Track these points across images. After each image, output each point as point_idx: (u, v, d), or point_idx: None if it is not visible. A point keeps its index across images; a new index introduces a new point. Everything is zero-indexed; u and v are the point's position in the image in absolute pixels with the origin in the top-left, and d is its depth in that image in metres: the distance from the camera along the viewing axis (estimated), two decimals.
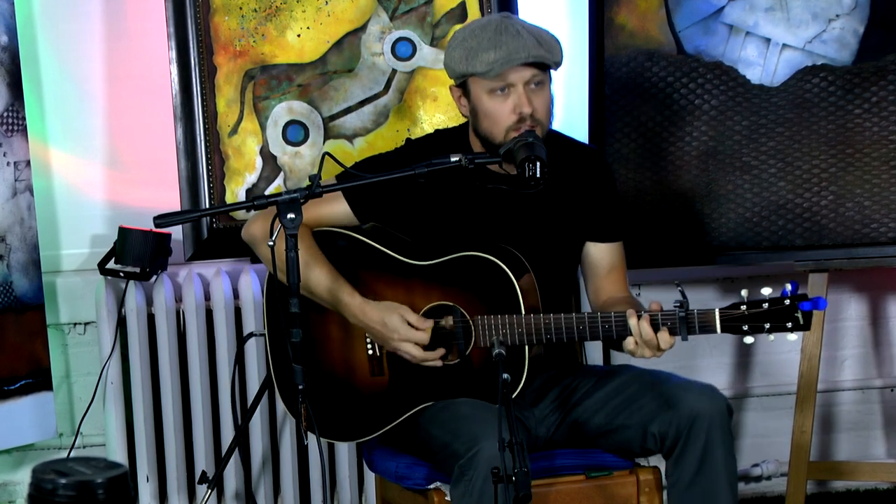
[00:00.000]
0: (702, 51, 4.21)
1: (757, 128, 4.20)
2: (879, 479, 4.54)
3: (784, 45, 4.20)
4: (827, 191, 4.19)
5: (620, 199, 3.63)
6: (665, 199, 4.23)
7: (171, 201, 4.20)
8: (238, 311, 4.28)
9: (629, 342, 3.28)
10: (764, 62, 4.20)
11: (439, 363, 3.40)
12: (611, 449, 3.46)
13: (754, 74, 4.21)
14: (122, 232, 4.17)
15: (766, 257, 4.22)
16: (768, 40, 4.20)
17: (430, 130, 3.57)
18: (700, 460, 3.32)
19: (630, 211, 4.19)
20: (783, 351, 4.64)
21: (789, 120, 4.20)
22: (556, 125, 3.56)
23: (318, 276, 3.43)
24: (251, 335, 4.08)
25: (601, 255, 3.56)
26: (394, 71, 4.28)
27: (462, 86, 3.44)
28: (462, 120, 3.57)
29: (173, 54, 4.19)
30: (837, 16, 4.18)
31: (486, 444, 3.19)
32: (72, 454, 4.30)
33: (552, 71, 3.43)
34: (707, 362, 4.67)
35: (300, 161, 4.25)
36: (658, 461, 3.46)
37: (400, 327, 3.38)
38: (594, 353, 4.37)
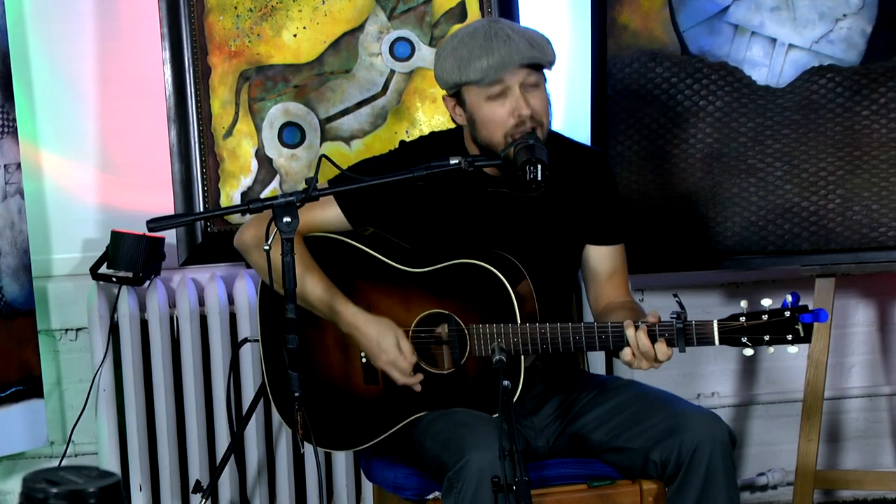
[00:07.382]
0: (706, 51, 4.19)
1: (762, 129, 4.19)
2: (888, 489, 4.52)
3: (790, 46, 4.19)
4: (834, 194, 4.18)
5: (622, 202, 3.60)
6: (669, 203, 4.21)
7: (165, 205, 4.20)
8: (233, 317, 4.28)
9: (626, 353, 3.25)
10: (770, 63, 4.19)
11: (418, 388, 3.40)
12: (612, 464, 3.41)
13: (760, 75, 4.19)
14: (115, 236, 4.16)
15: (772, 262, 4.22)
16: (774, 40, 4.19)
17: (429, 132, 3.55)
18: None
19: (633, 215, 4.19)
20: (789, 358, 4.62)
21: (795, 122, 4.18)
22: (558, 126, 3.53)
23: (311, 285, 3.42)
24: (245, 341, 4.07)
25: (602, 258, 3.53)
26: (392, 72, 4.26)
27: (456, 95, 3.41)
28: None
29: (167, 55, 4.18)
30: (845, 15, 4.17)
31: (474, 455, 3.16)
32: (63, 463, 4.30)
33: (547, 71, 3.39)
34: (712, 369, 4.66)
35: (296, 164, 4.23)
36: None
37: (391, 350, 3.37)
38: (596, 359, 4.33)
